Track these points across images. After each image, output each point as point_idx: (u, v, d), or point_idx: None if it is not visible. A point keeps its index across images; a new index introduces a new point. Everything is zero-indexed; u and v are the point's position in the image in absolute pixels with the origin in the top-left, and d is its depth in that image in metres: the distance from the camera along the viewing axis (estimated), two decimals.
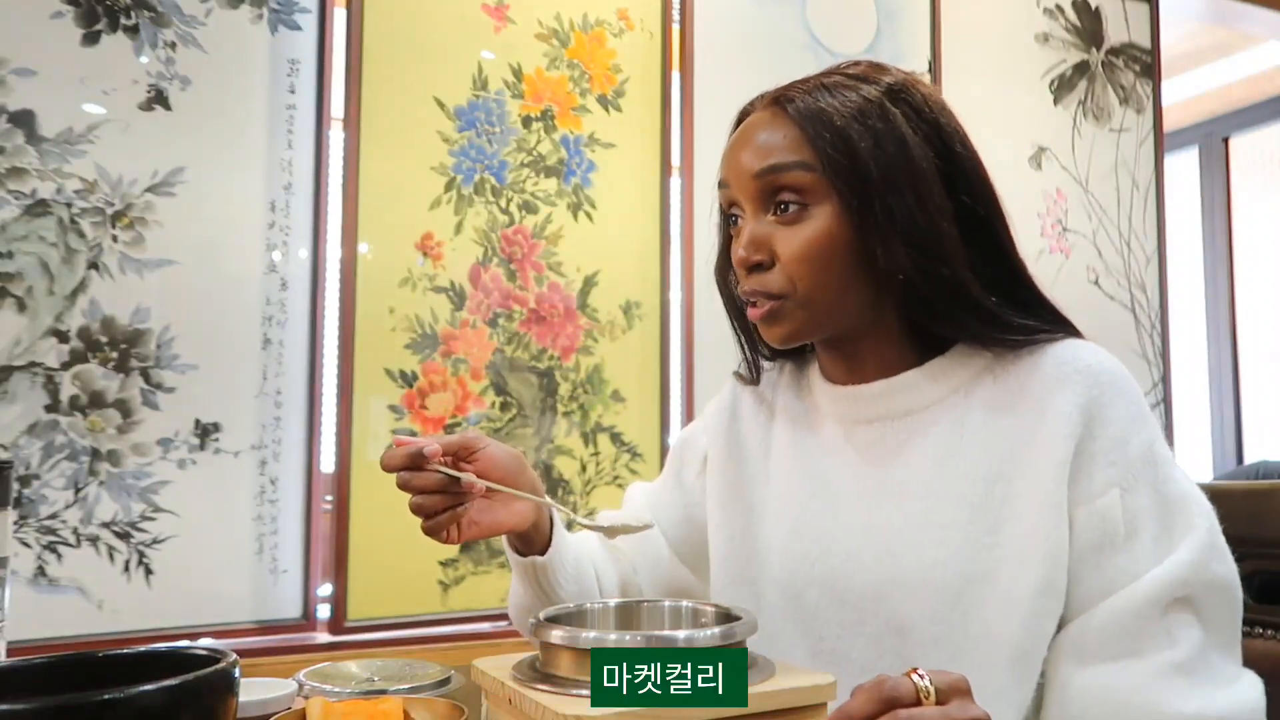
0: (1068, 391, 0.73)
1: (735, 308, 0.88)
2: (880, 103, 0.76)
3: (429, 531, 0.79)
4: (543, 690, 0.59)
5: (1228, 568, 0.72)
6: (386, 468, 0.77)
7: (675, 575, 0.95)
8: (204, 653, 0.62)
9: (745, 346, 0.92)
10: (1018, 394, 0.76)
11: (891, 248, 0.74)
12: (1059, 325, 0.79)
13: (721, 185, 0.82)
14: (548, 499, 0.85)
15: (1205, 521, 0.72)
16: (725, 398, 0.95)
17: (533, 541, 0.87)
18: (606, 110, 1.86)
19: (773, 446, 0.89)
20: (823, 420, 0.86)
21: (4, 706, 0.50)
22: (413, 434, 1.65)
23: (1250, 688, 0.71)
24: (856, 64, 0.82)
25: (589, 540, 0.98)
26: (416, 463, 0.76)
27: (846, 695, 0.76)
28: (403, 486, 0.77)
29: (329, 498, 1.62)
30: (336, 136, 1.65)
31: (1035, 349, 0.77)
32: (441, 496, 0.77)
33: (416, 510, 0.78)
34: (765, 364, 0.94)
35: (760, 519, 0.87)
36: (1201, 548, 0.70)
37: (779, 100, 0.79)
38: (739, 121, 0.84)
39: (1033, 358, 0.76)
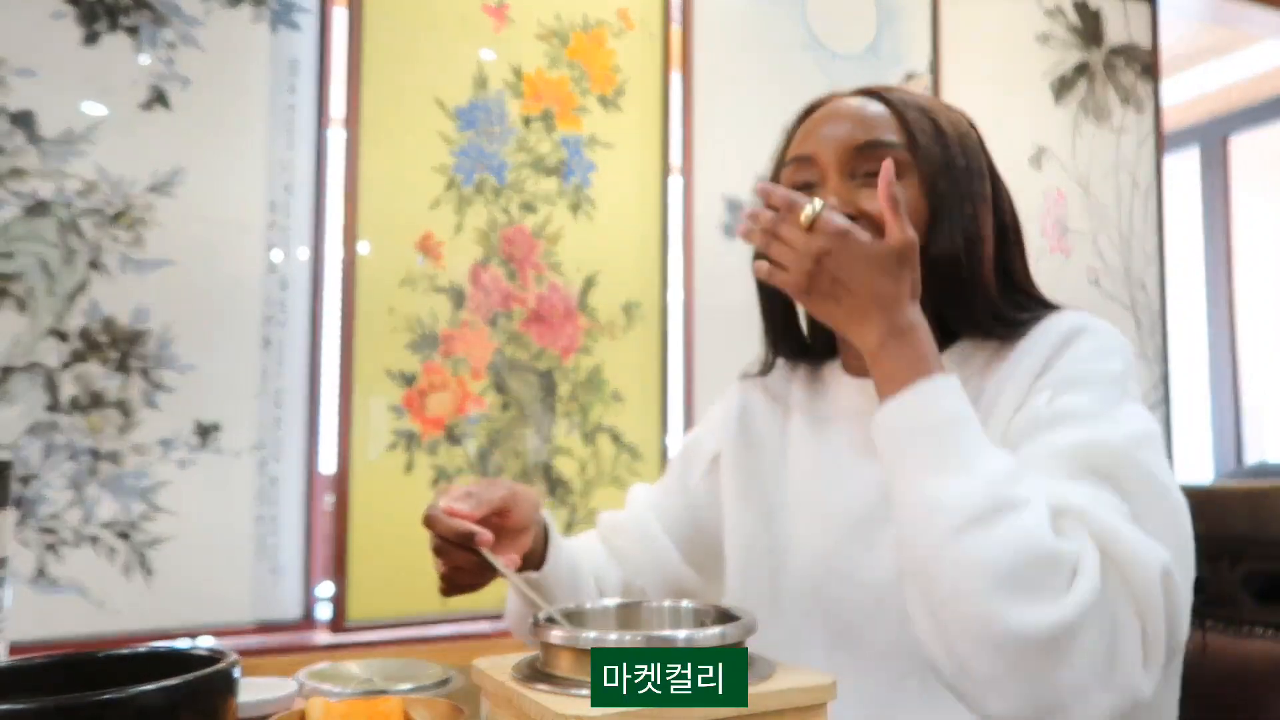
0: (1044, 339, 0.76)
1: (769, 297, 0.90)
2: (947, 106, 0.85)
3: (446, 592, 0.79)
4: (543, 690, 0.59)
5: (1165, 473, 0.68)
6: (429, 528, 0.75)
7: (679, 575, 0.96)
8: (204, 653, 0.62)
9: (772, 339, 0.92)
10: (1016, 366, 0.77)
11: (955, 231, 0.79)
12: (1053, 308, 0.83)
13: (799, 159, 0.82)
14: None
15: (1148, 426, 0.69)
16: (731, 401, 0.96)
17: (528, 556, 0.86)
18: (606, 110, 1.86)
19: (789, 442, 0.90)
20: (841, 414, 0.87)
21: (4, 706, 0.50)
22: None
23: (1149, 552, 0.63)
24: None
25: (588, 545, 0.98)
26: (464, 542, 0.75)
27: (865, 682, 0.77)
28: (438, 554, 0.76)
29: (329, 498, 1.62)
30: (336, 136, 1.65)
31: (1034, 325, 0.79)
32: (473, 572, 0.77)
33: (445, 578, 0.78)
34: (779, 361, 0.95)
35: (779, 511, 0.88)
36: (1135, 435, 0.68)
37: (869, 91, 0.84)
38: (808, 111, 0.86)
39: (1030, 333, 0.79)
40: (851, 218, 0.78)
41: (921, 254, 0.77)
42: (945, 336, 0.82)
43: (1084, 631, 0.59)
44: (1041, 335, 0.77)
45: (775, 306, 0.91)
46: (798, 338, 0.92)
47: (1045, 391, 0.72)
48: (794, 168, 0.83)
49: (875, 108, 0.82)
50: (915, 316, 0.71)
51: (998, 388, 0.77)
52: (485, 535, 0.74)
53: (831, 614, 0.81)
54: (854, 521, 0.81)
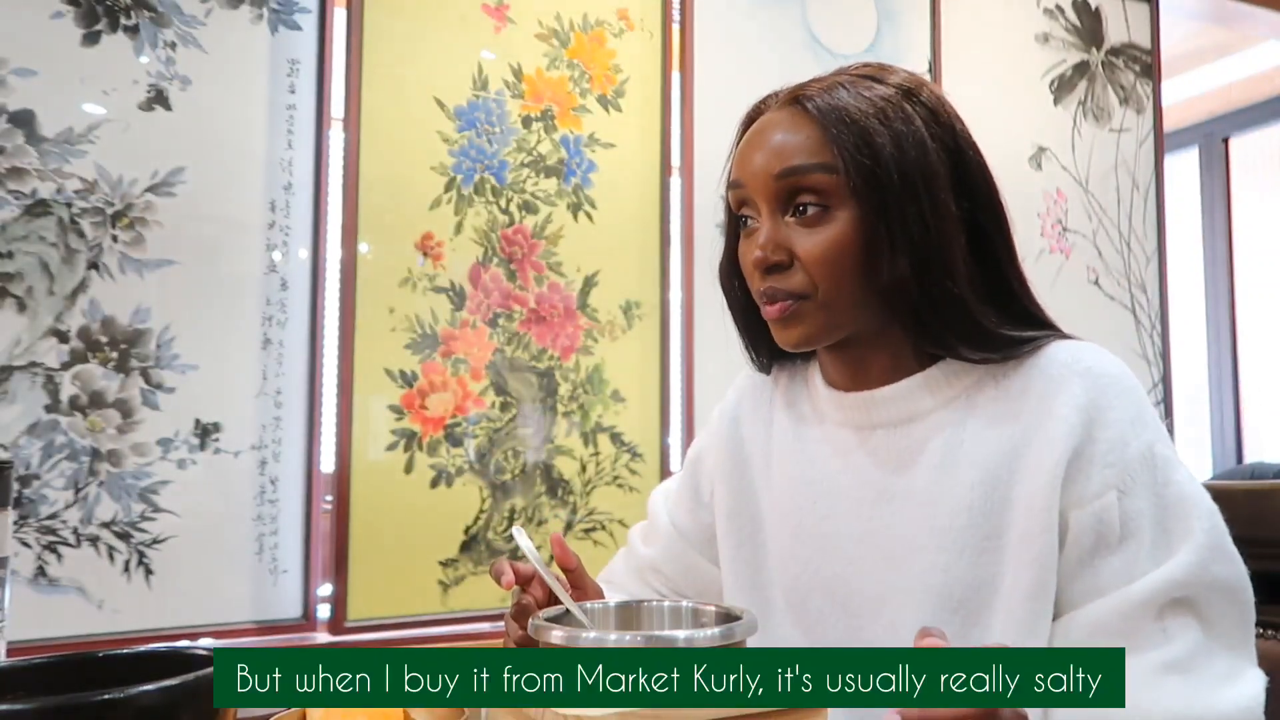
0: (1067, 394, 0.72)
1: (740, 309, 0.88)
2: (899, 103, 0.75)
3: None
4: None
5: (1232, 569, 0.70)
6: (513, 581, 0.78)
7: (716, 579, 0.95)
8: (204, 653, 0.62)
9: (749, 349, 0.91)
10: (1019, 397, 0.75)
11: (898, 255, 0.73)
12: (1052, 332, 0.78)
13: (734, 186, 0.79)
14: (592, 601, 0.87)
15: (1205, 523, 0.70)
16: (729, 404, 0.95)
17: None
18: (606, 110, 1.86)
19: (773, 454, 0.89)
20: (824, 426, 0.85)
21: (4, 706, 0.50)
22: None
23: (1249, 685, 0.69)
24: (865, 65, 0.80)
25: (618, 582, 0.98)
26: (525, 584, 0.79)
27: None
28: (517, 618, 0.79)
29: (329, 498, 1.62)
30: (336, 136, 1.65)
31: (1035, 352, 0.76)
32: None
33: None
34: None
35: (764, 526, 0.87)
36: (1200, 549, 0.69)
37: (797, 99, 0.77)
38: (749, 121, 0.82)
39: (1033, 360, 0.76)
40: (784, 264, 0.76)
41: (870, 286, 0.75)
42: (926, 356, 0.79)
43: None
44: (1063, 382, 0.73)
45: (749, 322, 0.88)
46: (771, 345, 0.89)
47: (1110, 491, 0.70)
48: (734, 193, 0.80)
49: (796, 126, 0.76)
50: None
51: (1000, 407, 0.75)
52: (508, 579, 0.77)
53: (811, 631, 0.81)
54: (834, 538, 0.80)
